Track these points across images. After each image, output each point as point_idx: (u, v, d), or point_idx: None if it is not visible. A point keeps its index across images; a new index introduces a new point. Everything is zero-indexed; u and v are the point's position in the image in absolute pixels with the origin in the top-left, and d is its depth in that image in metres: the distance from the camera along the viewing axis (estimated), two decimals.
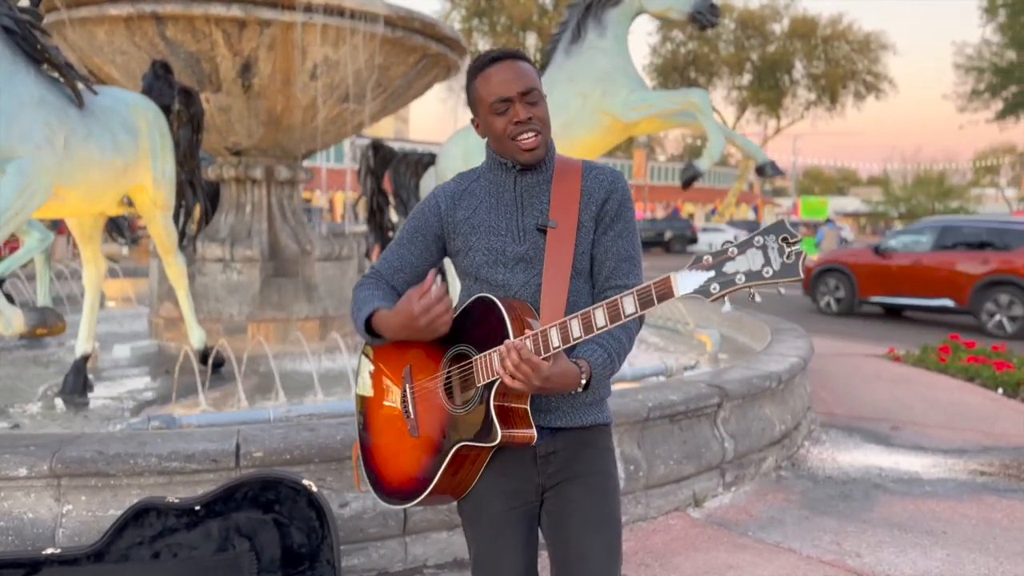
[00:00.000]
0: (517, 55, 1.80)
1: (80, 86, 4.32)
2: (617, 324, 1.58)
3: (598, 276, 1.83)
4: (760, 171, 6.17)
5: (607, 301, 1.58)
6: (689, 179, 6.09)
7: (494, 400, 1.68)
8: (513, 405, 1.72)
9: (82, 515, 3.06)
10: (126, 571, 2.61)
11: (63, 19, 5.78)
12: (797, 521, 4.02)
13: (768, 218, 51.54)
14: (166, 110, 5.31)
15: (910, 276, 12.46)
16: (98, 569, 2.61)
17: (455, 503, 1.91)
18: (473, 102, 1.82)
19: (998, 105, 26.22)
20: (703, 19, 5.89)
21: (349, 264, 6.95)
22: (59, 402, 4.88)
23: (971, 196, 26.65)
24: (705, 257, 1.45)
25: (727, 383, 4.49)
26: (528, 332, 1.66)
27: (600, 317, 1.59)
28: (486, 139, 1.85)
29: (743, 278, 1.42)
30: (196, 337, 5.58)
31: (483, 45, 36.88)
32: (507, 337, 1.66)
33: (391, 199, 8.85)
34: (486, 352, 1.69)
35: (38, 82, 4.07)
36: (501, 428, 1.67)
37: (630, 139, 44.41)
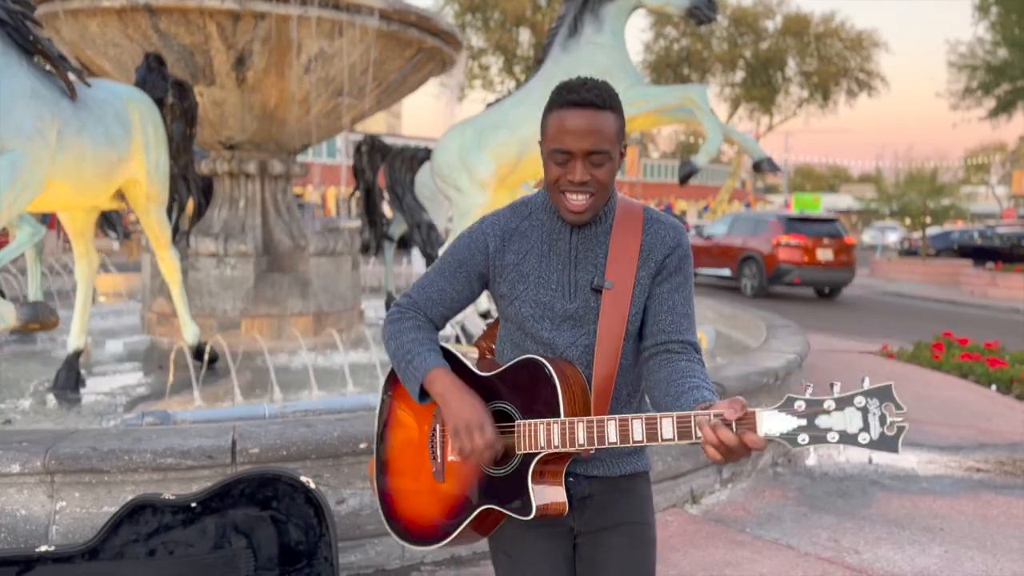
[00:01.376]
0: (604, 104, 1.60)
1: (73, 78, 4.27)
2: (687, 442, 1.45)
3: (652, 331, 1.69)
4: (757, 167, 6.15)
5: (679, 415, 1.45)
6: (686, 175, 6.07)
7: (532, 478, 1.59)
8: (549, 481, 1.62)
9: (76, 512, 3.02)
10: (121, 569, 2.58)
11: (56, 11, 5.72)
12: (795, 518, 4.01)
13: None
14: (159, 103, 5.26)
15: (713, 253, 16.92)
16: (93, 567, 2.57)
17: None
18: (542, 132, 1.68)
19: (991, 103, 26.31)
20: (701, 14, 5.86)
21: (343, 259, 6.91)
22: (51, 398, 4.84)
23: (962, 194, 26.72)
24: (798, 403, 1.35)
25: (725, 380, 4.47)
26: (582, 415, 1.56)
27: (668, 430, 1.46)
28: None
29: (836, 437, 1.32)
30: (190, 332, 5.54)
31: (476, 41, 36.75)
32: (557, 411, 1.57)
33: (386, 194, 8.81)
34: (533, 421, 1.59)
35: (30, 74, 4.02)
36: (536, 505, 1.58)
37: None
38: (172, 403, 4.57)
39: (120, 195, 5.14)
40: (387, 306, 8.82)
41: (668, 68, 40.86)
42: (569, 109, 1.60)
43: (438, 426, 1.74)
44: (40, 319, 3.83)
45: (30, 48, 4.05)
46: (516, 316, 1.73)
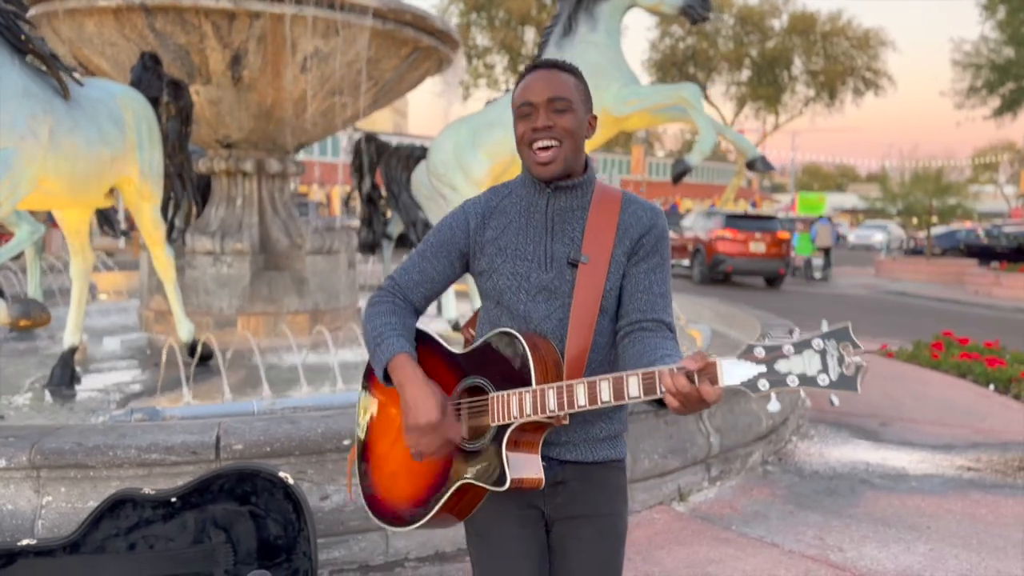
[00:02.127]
0: (560, 65, 1.71)
1: (65, 77, 4.30)
2: (652, 398, 1.47)
3: (628, 310, 1.71)
4: (751, 166, 6.15)
5: (644, 371, 1.47)
6: (679, 174, 6.07)
7: (507, 447, 1.60)
8: (524, 452, 1.63)
9: (61, 506, 3.05)
10: (102, 562, 2.60)
11: (53, 10, 5.76)
12: (781, 516, 4.02)
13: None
14: (155, 102, 5.30)
15: (676, 246, 18.95)
16: (74, 560, 2.60)
17: (461, 522, 1.80)
18: (512, 110, 1.74)
19: (996, 102, 26.18)
20: (694, 12, 5.86)
21: (340, 258, 6.94)
22: (46, 394, 4.87)
23: (969, 193, 26.63)
24: (757, 349, 1.36)
25: None
26: (554, 383, 1.58)
27: (634, 387, 1.47)
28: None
29: (796, 381, 1.33)
30: (184, 330, 5.58)
31: (481, 40, 36.81)
32: (529, 381, 1.59)
33: (383, 192, 8.84)
34: (505, 392, 1.61)
35: (23, 73, 4.06)
36: (511, 476, 1.59)
37: (628, 135, 44.34)
38: (163, 400, 4.60)
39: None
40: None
41: (674, 67, 40.83)
42: (531, 73, 1.72)
43: None
44: (31, 316, 3.86)
45: (22, 47, 4.09)
46: (494, 290, 1.75)
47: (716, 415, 4.51)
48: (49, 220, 9.42)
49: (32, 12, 5.74)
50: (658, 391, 1.44)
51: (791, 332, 1.37)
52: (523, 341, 1.62)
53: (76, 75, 4.51)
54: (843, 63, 40.90)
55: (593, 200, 1.73)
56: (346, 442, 3.29)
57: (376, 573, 3.28)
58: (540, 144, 1.66)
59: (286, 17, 5.69)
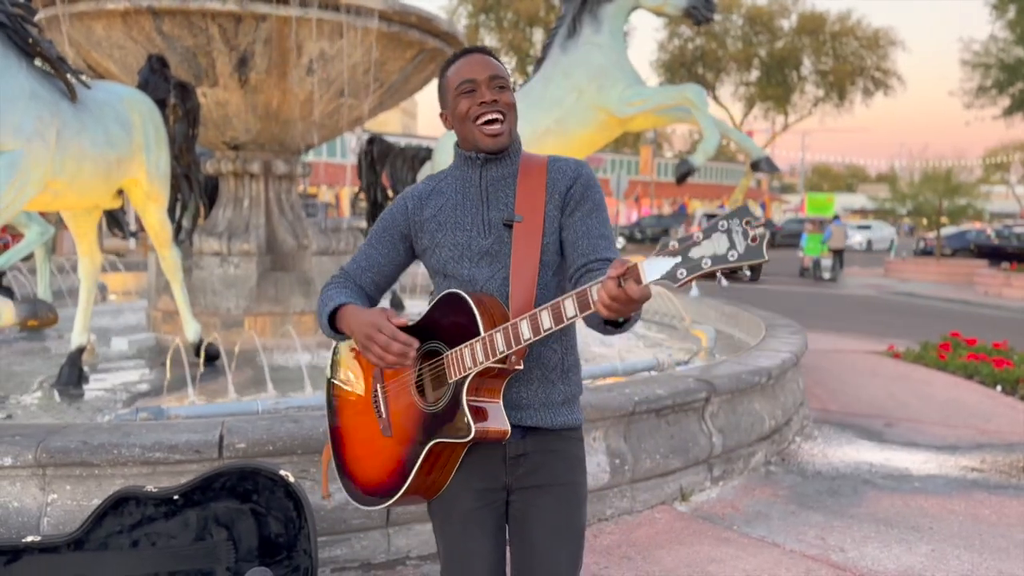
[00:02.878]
0: (486, 50, 1.84)
1: (72, 80, 4.35)
2: (587, 313, 1.54)
3: (573, 257, 1.78)
4: (755, 166, 6.14)
5: (576, 291, 1.55)
6: (683, 174, 6.08)
7: (467, 396, 1.67)
8: (485, 401, 1.71)
9: (67, 504, 3.09)
10: (105, 559, 2.64)
11: (62, 13, 5.82)
12: (783, 516, 4.02)
13: (776, 215, 51.37)
14: (162, 104, 5.34)
15: None
16: (78, 557, 2.64)
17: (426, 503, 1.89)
18: (443, 92, 1.84)
19: (1005, 102, 26.01)
20: (698, 14, 5.87)
21: (346, 258, 6.98)
22: (54, 393, 4.92)
23: (980, 193, 26.51)
24: (671, 243, 1.44)
25: (715, 378, 4.49)
26: (499, 327, 1.65)
27: (570, 307, 1.55)
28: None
29: (709, 262, 1.40)
30: (191, 330, 5.62)
31: (490, 41, 36.84)
32: (478, 332, 1.66)
33: (389, 193, 8.87)
34: (457, 348, 1.68)
35: (30, 76, 4.10)
36: (474, 423, 1.66)
37: (637, 135, 44.24)
38: (169, 399, 4.64)
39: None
40: (392, 304, 8.88)
41: (682, 67, 40.75)
42: (462, 56, 1.83)
43: (378, 385, 1.83)
44: (38, 316, 3.91)
45: (30, 50, 4.13)
46: (438, 263, 1.84)
47: (718, 415, 4.52)
48: (60, 222, 9.50)
49: (40, 15, 5.79)
50: (591, 304, 1.52)
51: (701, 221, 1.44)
52: (467, 297, 1.71)
53: (83, 77, 4.55)
54: (852, 63, 40.74)
55: (521, 167, 1.84)
56: None
57: (378, 571, 3.30)
58: (488, 118, 1.77)
59: (292, 19, 5.73)
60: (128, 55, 6.01)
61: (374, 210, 8.88)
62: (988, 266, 20.51)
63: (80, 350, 5.12)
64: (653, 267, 1.44)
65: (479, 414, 1.68)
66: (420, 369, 1.77)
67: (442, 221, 1.84)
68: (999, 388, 7.10)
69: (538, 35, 37.06)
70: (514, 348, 1.62)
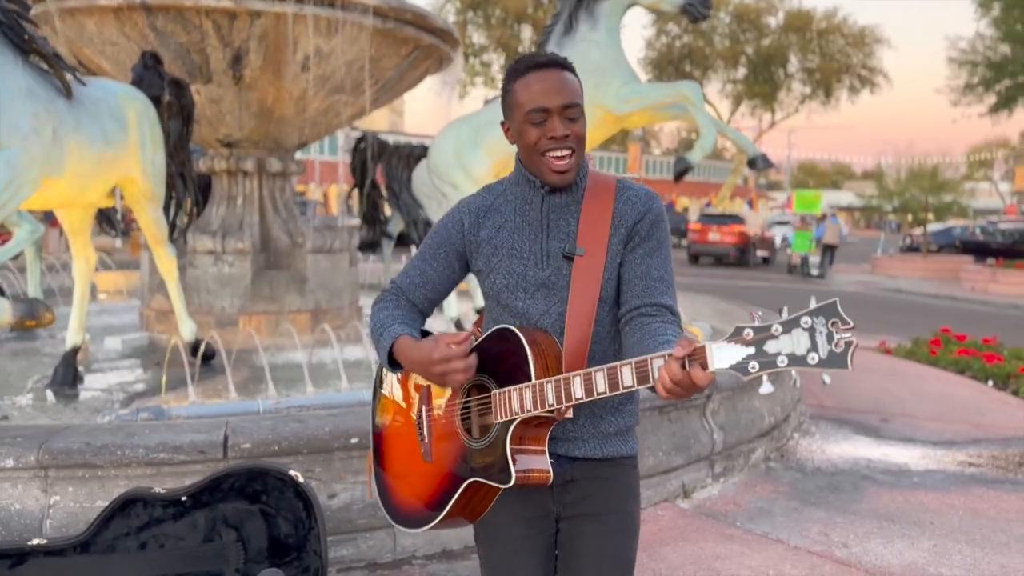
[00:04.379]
0: (564, 64, 1.69)
1: (68, 77, 4.30)
2: (646, 386, 1.45)
3: (627, 296, 1.69)
4: (752, 164, 6.16)
5: (636, 360, 1.46)
6: (681, 172, 6.09)
7: (511, 442, 1.60)
8: (530, 447, 1.63)
9: (69, 506, 3.06)
10: (112, 562, 2.61)
11: (54, 9, 5.75)
12: (785, 512, 4.04)
13: (762, 211, 51.52)
14: (156, 101, 5.29)
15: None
16: (84, 560, 2.61)
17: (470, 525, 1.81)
18: (508, 106, 1.71)
19: (991, 99, 26.22)
20: (695, 11, 5.87)
21: (341, 257, 6.94)
22: (49, 394, 4.87)
23: (964, 190, 26.76)
24: (746, 331, 1.34)
25: (716, 375, 4.48)
26: (550, 377, 1.57)
27: (627, 376, 1.46)
28: (516, 149, 1.74)
29: (785, 361, 1.30)
30: (187, 329, 5.57)
31: (477, 38, 36.78)
32: (529, 378, 1.59)
33: (383, 191, 8.84)
34: (506, 389, 1.61)
35: (26, 73, 4.05)
36: (516, 471, 1.59)
37: (625, 132, 44.31)
38: (167, 399, 4.60)
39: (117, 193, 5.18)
40: None
41: (670, 65, 40.85)
42: (535, 71, 1.67)
43: (423, 408, 1.76)
44: (35, 316, 3.86)
45: (25, 47, 4.08)
46: (492, 289, 1.76)
47: (719, 412, 4.53)
48: (47, 219, 9.39)
49: (33, 11, 5.72)
50: (651, 379, 1.43)
51: (780, 312, 1.38)
52: (521, 337, 1.63)
53: (78, 74, 4.50)
54: (839, 60, 40.98)
55: (586, 193, 1.73)
56: (353, 440, 3.30)
57: (384, 571, 3.29)
58: (557, 154, 1.65)
59: (287, 16, 5.68)
60: (121, 51, 5.95)
61: (371, 210, 8.85)
62: (974, 262, 20.67)
63: (75, 350, 5.07)
64: (723, 354, 1.35)
65: (521, 460, 1.61)
66: (467, 402, 1.70)
67: (498, 245, 1.74)
68: (991, 383, 7.16)
69: (527, 32, 37.03)
70: (564, 404, 1.55)
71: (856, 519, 3.95)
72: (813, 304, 1.32)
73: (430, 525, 1.73)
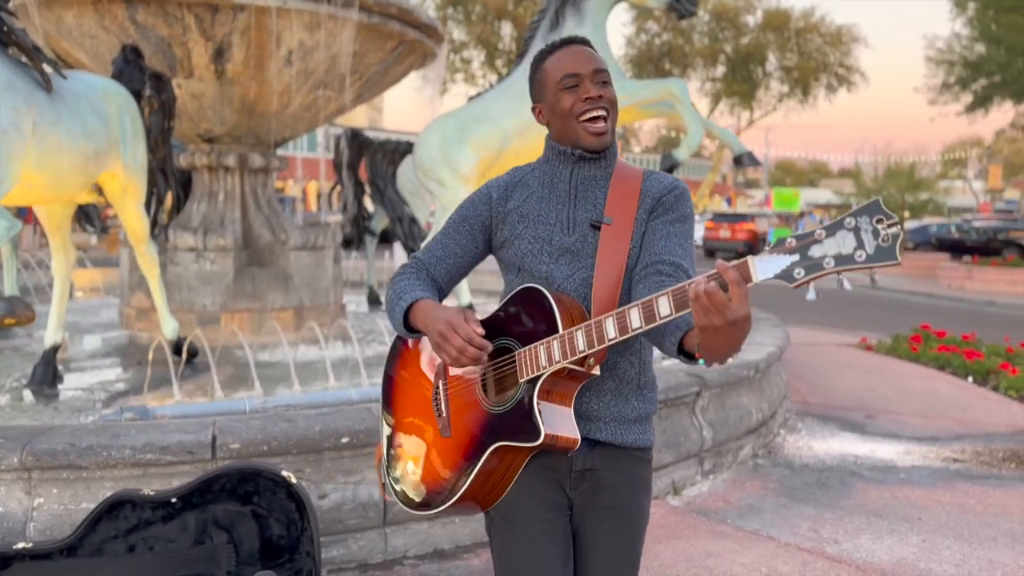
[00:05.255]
0: (586, 42, 1.76)
1: (48, 70, 4.21)
2: (684, 311, 1.41)
3: (643, 256, 1.68)
4: (738, 161, 6.18)
5: (674, 288, 1.42)
6: (667, 169, 6.08)
7: (538, 397, 1.57)
8: (556, 405, 1.61)
9: (54, 508, 2.99)
10: (100, 565, 2.55)
11: (31, 1, 5.63)
12: (775, 509, 4.04)
13: (741, 209, 51.87)
14: (137, 95, 5.20)
15: None
16: (71, 563, 2.55)
17: (482, 514, 1.78)
18: (540, 84, 1.75)
19: (968, 98, 26.53)
20: (682, 8, 5.88)
21: (325, 254, 6.87)
22: (27, 393, 4.77)
23: (940, 188, 27.08)
24: (789, 240, 1.31)
25: (706, 372, 4.49)
26: (581, 324, 1.54)
27: (664, 305, 1.43)
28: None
29: (832, 262, 1.28)
30: (169, 327, 5.49)
31: (458, 34, 36.63)
32: (556, 330, 1.56)
33: (367, 188, 8.77)
34: (532, 345, 1.59)
35: (5, 66, 3.95)
36: (544, 427, 1.55)
37: None
38: (151, 398, 4.53)
39: (97, 189, 5.08)
40: (369, 300, 8.79)
41: (649, 63, 40.93)
42: (563, 47, 1.75)
43: (440, 383, 1.73)
44: (16, 314, 3.77)
45: (4, 39, 3.99)
46: (516, 256, 1.76)
47: (708, 409, 4.53)
48: (20, 215, 9.21)
49: (11, 3, 5.60)
50: (690, 304, 1.37)
51: (821, 222, 1.33)
52: (546, 292, 1.62)
53: (59, 68, 4.41)
54: (816, 59, 41.24)
55: (615, 171, 1.76)
56: (344, 440, 3.26)
57: (375, 571, 3.25)
58: (592, 114, 1.68)
59: (271, 10, 5.61)
60: (100, 45, 5.85)
61: (356, 207, 8.77)
62: (950, 259, 20.92)
63: (55, 348, 4.98)
64: (766, 264, 1.32)
65: (549, 417, 1.57)
66: (487, 368, 1.68)
67: (524, 213, 1.76)
68: (971, 379, 7.23)
69: (506, 29, 36.94)
70: (595, 348, 1.52)
71: (845, 515, 3.97)
72: (856, 205, 1.30)
73: (448, 504, 1.68)
